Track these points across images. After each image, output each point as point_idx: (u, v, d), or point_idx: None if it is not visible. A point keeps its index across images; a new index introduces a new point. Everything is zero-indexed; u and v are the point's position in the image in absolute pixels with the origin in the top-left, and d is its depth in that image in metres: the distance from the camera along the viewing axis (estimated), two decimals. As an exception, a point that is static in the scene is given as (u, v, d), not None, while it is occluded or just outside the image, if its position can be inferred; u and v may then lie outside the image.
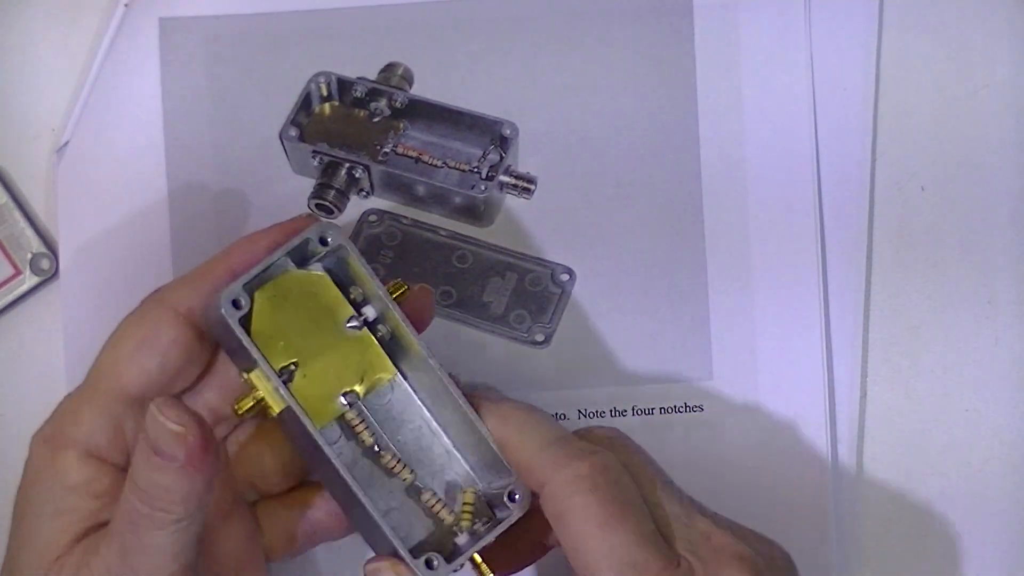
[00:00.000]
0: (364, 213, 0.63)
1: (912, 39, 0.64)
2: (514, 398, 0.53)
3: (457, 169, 0.62)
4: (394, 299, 0.51)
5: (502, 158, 0.61)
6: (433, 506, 0.51)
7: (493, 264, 0.62)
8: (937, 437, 0.62)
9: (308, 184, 0.63)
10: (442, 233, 0.63)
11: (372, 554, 0.52)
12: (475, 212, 0.62)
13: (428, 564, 0.49)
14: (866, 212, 0.62)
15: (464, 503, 0.51)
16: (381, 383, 0.52)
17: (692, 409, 0.61)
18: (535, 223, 0.62)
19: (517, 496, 0.50)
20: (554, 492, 0.48)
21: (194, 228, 0.62)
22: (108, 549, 0.49)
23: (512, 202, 0.63)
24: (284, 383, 0.50)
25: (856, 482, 0.61)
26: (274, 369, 0.50)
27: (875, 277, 0.63)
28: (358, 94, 0.62)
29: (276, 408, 0.50)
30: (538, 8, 0.63)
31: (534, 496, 0.50)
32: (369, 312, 0.52)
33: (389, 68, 0.63)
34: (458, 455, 0.53)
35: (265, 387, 0.50)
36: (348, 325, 0.52)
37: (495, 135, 0.62)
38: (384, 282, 0.52)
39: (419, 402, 0.53)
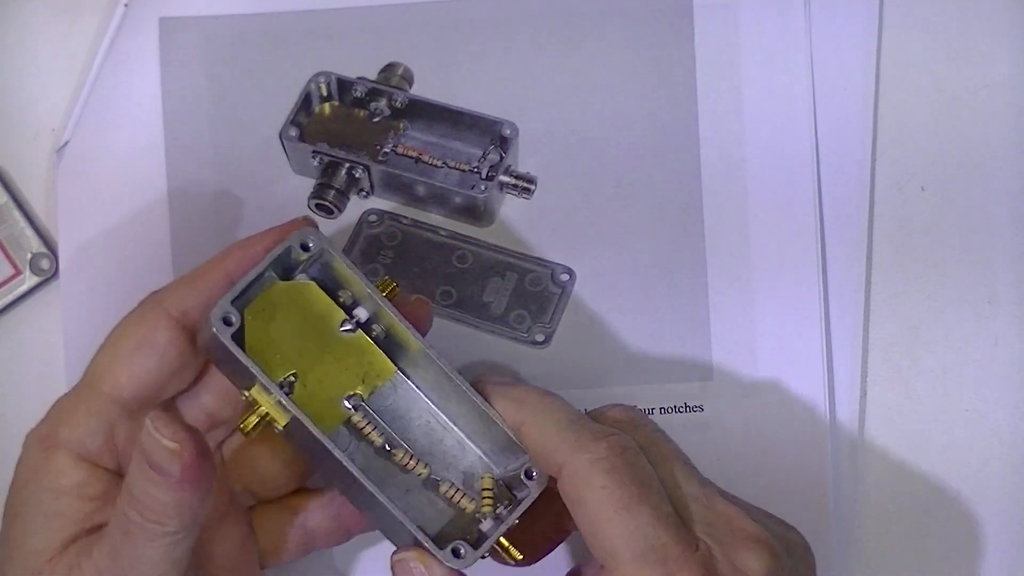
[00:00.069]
0: (364, 213, 0.63)
1: (912, 39, 0.64)
2: (527, 383, 0.53)
3: (457, 169, 0.62)
4: (386, 296, 0.51)
5: (502, 158, 0.61)
6: (452, 496, 0.51)
7: (493, 264, 0.62)
8: (937, 437, 0.62)
9: (308, 184, 0.63)
10: (442, 233, 0.63)
11: (367, 554, 0.52)
12: (475, 212, 0.62)
13: (455, 553, 0.49)
14: (866, 212, 0.62)
15: (483, 489, 0.51)
16: (383, 383, 0.52)
17: (692, 409, 0.61)
18: (535, 223, 0.62)
19: (534, 473, 0.50)
20: (571, 475, 0.48)
21: (194, 228, 0.62)
22: (100, 553, 0.49)
23: (512, 202, 0.63)
24: (286, 394, 0.50)
25: (856, 482, 0.61)
26: (273, 382, 0.50)
27: (875, 277, 0.63)
28: (358, 94, 0.62)
29: (281, 421, 0.49)
30: (538, 8, 0.63)
31: (551, 479, 0.50)
32: (361, 313, 0.52)
33: (389, 68, 0.63)
34: (471, 444, 0.53)
35: (267, 401, 0.49)
36: (342, 329, 0.52)
37: (495, 135, 0.62)
38: (385, 282, 0.52)
39: (424, 397, 0.53)
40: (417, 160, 0.62)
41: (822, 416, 0.60)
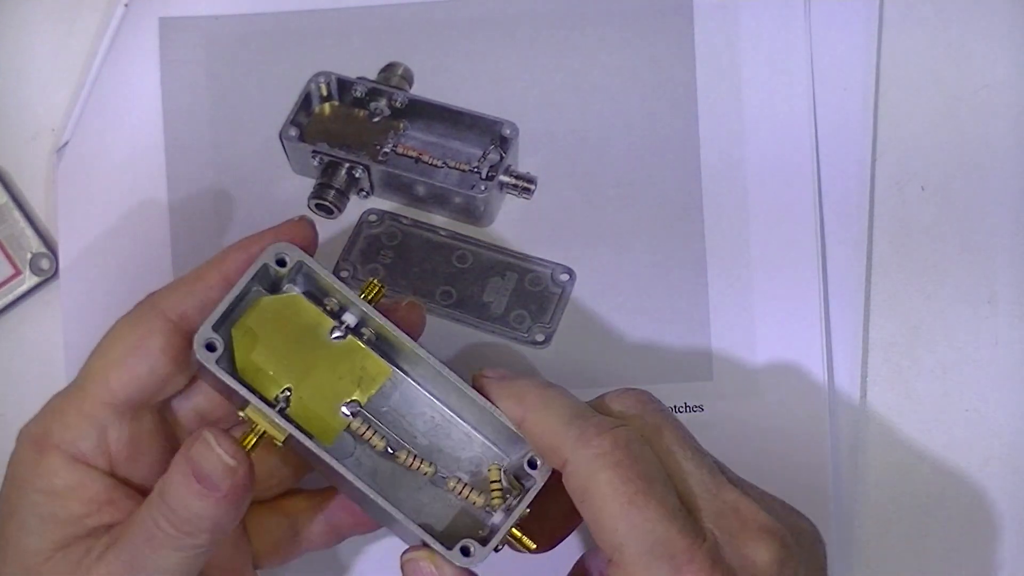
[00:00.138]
0: (364, 213, 0.63)
1: (912, 39, 0.64)
2: (527, 374, 0.53)
3: (457, 169, 0.62)
4: (371, 298, 0.51)
5: (502, 158, 0.61)
6: (461, 492, 0.51)
7: (493, 264, 0.62)
8: (937, 437, 0.62)
9: (308, 184, 0.63)
10: (442, 233, 0.63)
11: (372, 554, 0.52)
12: (475, 212, 0.62)
13: (464, 551, 0.49)
14: (866, 212, 0.62)
15: (491, 481, 0.51)
16: (381, 384, 0.52)
17: (692, 409, 0.61)
18: (535, 223, 0.62)
19: (538, 462, 0.50)
20: (576, 470, 0.48)
21: (194, 228, 0.62)
22: (116, 558, 0.49)
23: (512, 202, 0.63)
24: (281, 411, 0.50)
25: (856, 482, 0.61)
26: (268, 399, 0.50)
27: (875, 277, 0.63)
28: (358, 94, 0.62)
29: (280, 437, 0.49)
30: (538, 8, 0.63)
31: (557, 473, 0.50)
32: (349, 319, 0.52)
33: (389, 68, 0.63)
34: (478, 435, 0.52)
35: (263, 420, 0.49)
36: (332, 337, 0.52)
37: (495, 135, 0.62)
38: (369, 285, 0.51)
39: (425, 393, 0.53)
40: (417, 160, 0.62)
41: (822, 416, 0.60)
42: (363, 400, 0.52)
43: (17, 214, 0.63)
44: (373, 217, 0.63)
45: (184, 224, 0.62)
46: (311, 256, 0.51)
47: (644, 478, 0.47)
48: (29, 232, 0.62)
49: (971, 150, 0.63)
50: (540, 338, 0.61)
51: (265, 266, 0.50)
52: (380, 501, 0.49)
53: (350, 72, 0.63)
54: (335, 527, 0.56)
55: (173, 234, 0.62)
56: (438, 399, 0.53)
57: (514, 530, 0.50)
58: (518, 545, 0.50)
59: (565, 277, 0.62)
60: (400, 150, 0.62)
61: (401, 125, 0.63)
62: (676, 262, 0.62)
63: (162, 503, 0.48)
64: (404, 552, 0.50)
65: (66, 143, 0.62)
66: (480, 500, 0.51)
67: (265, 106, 0.63)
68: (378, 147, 0.62)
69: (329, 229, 0.62)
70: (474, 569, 0.49)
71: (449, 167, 0.62)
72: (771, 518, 0.48)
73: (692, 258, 0.62)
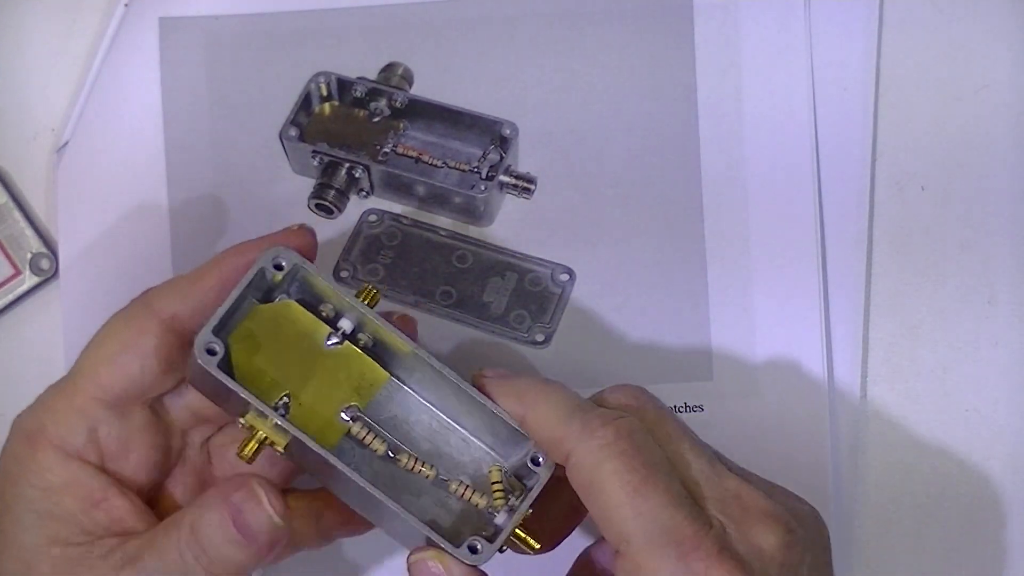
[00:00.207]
0: (364, 213, 0.63)
1: (912, 39, 0.64)
2: (526, 372, 0.53)
3: (457, 169, 0.62)
4: (367, 303, 0.51)
5: (502, 158, 0.61)
6: (463, 494, 0.51)
7: (493, 264, 0.62)
8: (937, 437, 0.62)
9: (308, 184, 0.63)
10: (442, 233, 0.63)
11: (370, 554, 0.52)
12: (475, 212, 0.62)
13: (472, 549, 0.49)
14: (866, 212, 0.62)
15: (493, 482, 0.51)
16: (378, 390, 0.52)
17: (692, 409, 0.61)
18: (535, 223, 0.62)
19: (540, 459, 0.50)
20: (580, 463, 0.48)
21: (194, 228, 0.62)
22: None
23: (512, 202, 0.63)
24: (283, 416, 0.50)
25: (856, 481, 0.61)
26: (268, 404, 0.50)
27: (875, 277, 0.63)
28: (358, 94, 0.62)
29: (282, 443, 0.49)
30: (538, 8, 0.63)
31: (560, 467, 0.50)
32: (345, 325, 0.52)
33: (389, 68, 0.63)
34: (475, 439, 0.52)
35: (264, 426, 0.49)
36: (328, 343, 0.52)
37: (495, 135, 0.62)
38: (364, 290, 0.51)
39: (422, 399, 0.53)
40: (417, 160, 0.62)
41: (822, 416, 0.60)
42: (362, 405, 0.52)
43: (17, 214, 0.63)
44: (373, 217, 0.63)
45: (184, 224, 0.62)
46: (310, 263, 0.51)
47: (649, 467, 0.47)
48: (29, 232, 0.62)
49: (971, 150, 0.63)
50: (540, 338, 0.61)
51: (261, 271, 0.50)
52: (389, 503, 0.49)
53: (350, 72, 0.63)
54: (324, 528, 0.56)
55: (173, 234, 0.62)
56: (435, 406, 0.53)
57: (518, 531, 0.50)
58: (522, 546, 0.50)
59: (565, 277, 0.62)
60: (400, 150, 0.62)
61: (401, 125, 0.63)
62: (676, 262, 0.62)
63: (194, 542, 0.49)
64: (411, 553, 0.50)
65: (66, 143, 0.62)
66: (482, 501, 0.51)
67: (265, 106, 0.63)
68: (378, 147, 0.62)
69: (329, 229, 0.62)
70: (482, 567, 0.49)
71: (449, 167, 0.62)
72: (774, 504, 0.48)
73: (692, 258, 0.62)
